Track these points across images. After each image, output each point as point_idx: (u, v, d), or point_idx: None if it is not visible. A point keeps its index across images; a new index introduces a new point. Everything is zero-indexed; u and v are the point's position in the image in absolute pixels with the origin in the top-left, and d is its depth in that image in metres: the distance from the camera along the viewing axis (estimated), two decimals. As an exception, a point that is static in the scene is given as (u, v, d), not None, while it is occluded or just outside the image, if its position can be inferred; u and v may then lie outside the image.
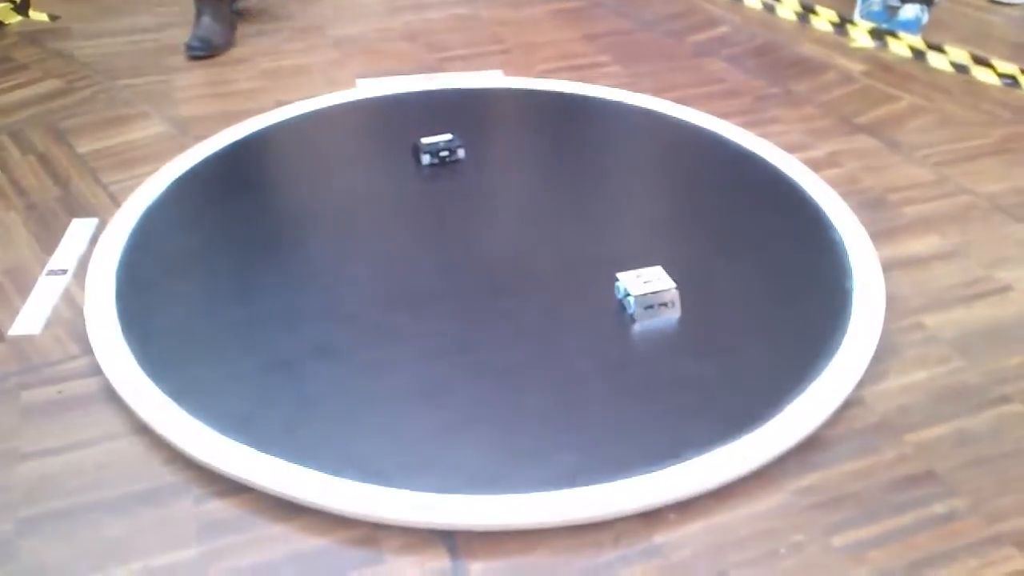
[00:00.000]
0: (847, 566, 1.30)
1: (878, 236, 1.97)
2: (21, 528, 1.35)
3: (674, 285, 1.73)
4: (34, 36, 2.97)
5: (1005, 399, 1.58)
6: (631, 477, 1.39)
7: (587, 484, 1.38)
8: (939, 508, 1.39)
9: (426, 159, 2.19)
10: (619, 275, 1.76)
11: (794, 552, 1.32)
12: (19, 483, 1.42)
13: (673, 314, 1.72)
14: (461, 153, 2.21)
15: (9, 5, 3.07)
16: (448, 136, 2.22)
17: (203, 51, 2.83)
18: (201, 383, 1.57)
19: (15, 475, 1.44)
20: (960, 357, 1.67)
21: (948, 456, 1.47)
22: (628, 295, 1.72)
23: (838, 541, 1.33)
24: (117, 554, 1.31)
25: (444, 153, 2.20)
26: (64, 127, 2.43)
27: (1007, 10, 3.22)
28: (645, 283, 1.73)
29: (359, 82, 2.66)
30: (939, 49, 2.83)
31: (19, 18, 3.08)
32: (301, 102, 2.51)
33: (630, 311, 1.72)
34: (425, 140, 2.21)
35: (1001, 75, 2.69)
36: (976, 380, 1.63)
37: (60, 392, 1.59)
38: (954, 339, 1.72)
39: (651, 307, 1.71)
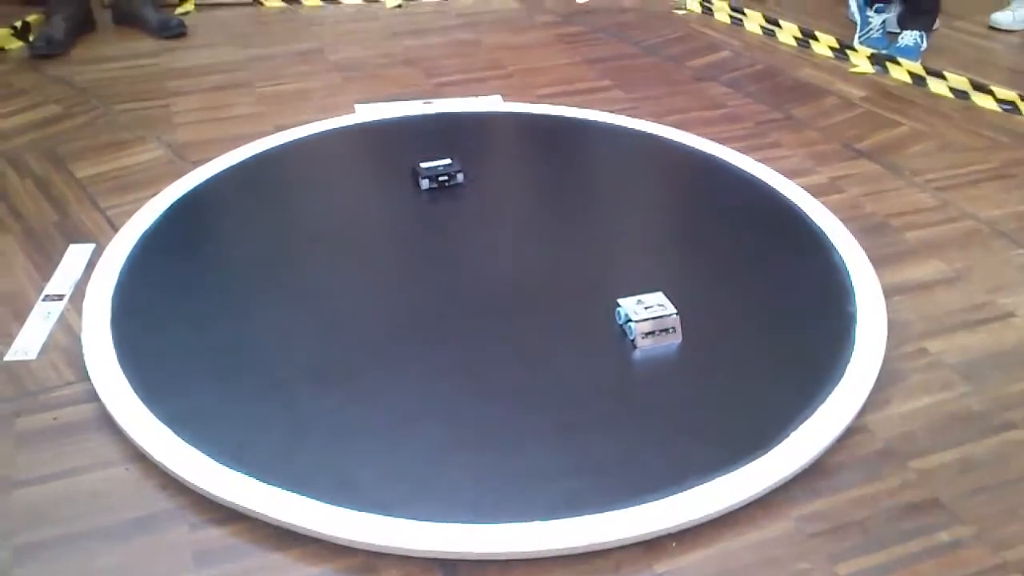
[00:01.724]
0: (852, 596, 1.28)
1: (880, 261, 1.96)
2: (15, 556, 1.33)
3: (675, 311, 1.72)
4: (33, 62, 2.97)
5: (1010, 425, 1.57)
6: (632, 505, 1.37)
7: (587, 511, 1.36)
8: (944, 536, 1.37)
9: (425, 183, 2.19)
10: (620, 301, 1.75)
11: (799, 581, 1.30)
12: (13, 510, 1.40)
13: (674, 340, 1.71)
14: (460, 177, 2.21)
15: (9, 31, 3.08)
16: (447, 160, 2.22)
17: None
18: (197, 409, 1.55)
19: (9, 502, 1.41)
20: (964, 383, 1.66)
21: (953, 483, 1.46)
22: (629, 321, 1.71)
23: (843, 569, 1.31)
24: (111, 583, 1.29)
25: (443, 177, 2.20)
26: (63, 152, 2.42)
27: (1006, 37, 3.24)
28: (646, 309, 1.72)
29: (358, 107, 2.66)
30: (939, 75, 2.83)
31: (19, 44, 3.09)
32: (300, 127, 2.51)
33: (631, 337, 1.70)
34: (424, 164, 2.20)
35: (1000, 101, 2.70)
36: (980, 406, 1.61)
37: (55, 419, 1.58)
38: (958, 365, 1.70)
39: (652, 333, 1.70)
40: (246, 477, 1.41)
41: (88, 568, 1.31)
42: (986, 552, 1.34)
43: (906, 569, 1.31)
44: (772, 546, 1.35)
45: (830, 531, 1.37)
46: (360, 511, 1.35)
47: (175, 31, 3.18)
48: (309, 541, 1.34)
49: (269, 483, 1.40)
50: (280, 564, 1.32)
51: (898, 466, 1.49)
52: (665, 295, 1.76)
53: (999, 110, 2.68)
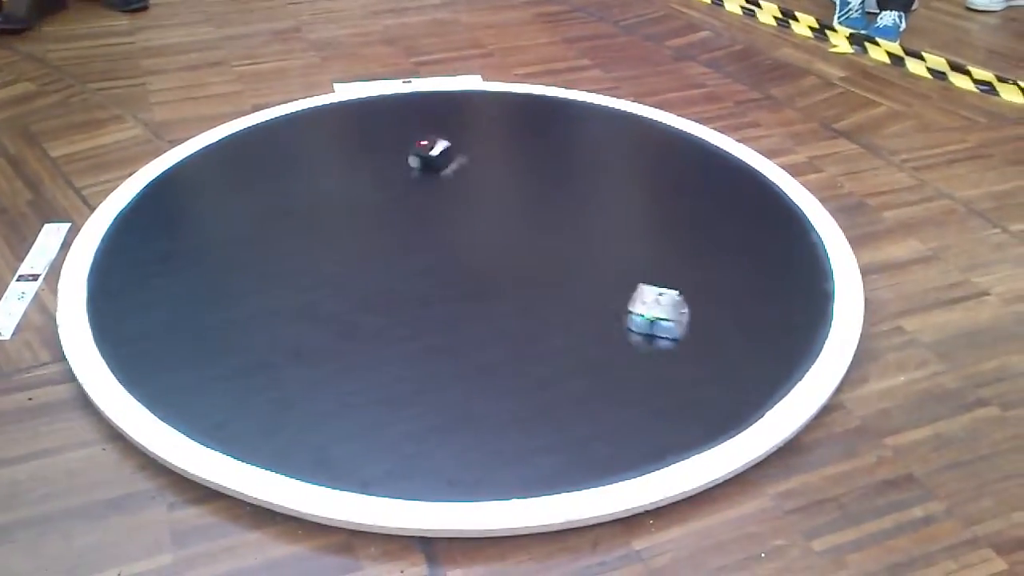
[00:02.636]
0: (827, 570, 1.29)
1: (857, 241, 1.97)
2: (-10, 537, 1.33)
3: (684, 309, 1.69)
4: (4, 38, 2.93)
5: (982, 402, 1.59)
6: (610, 482, 1.38)
7: (565, 489, 1.36)
8: (918, 511, 1.38)
9: (415, 161, 2.16)
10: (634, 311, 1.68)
11: (775, 556, 1.31)
12: (-12, 491, 1.40)
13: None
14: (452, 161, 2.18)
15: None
16: (445, 143, 2.19)
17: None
18: (175, 389, 1.54)
19: (-16, 483, 1.41)
20: (939, 361, 1.68)
21: (927, 460, 1.47)
22: (654, 319, 1.65)
23: (818, 545, 1.33)
24: (89, 562, 1.29)
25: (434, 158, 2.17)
26: (36, 130, 2.39)
27: (983, 17, 3.25)
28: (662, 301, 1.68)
29: (337, 86, 2.64)
30: (917, 55, 2.84)
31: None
32: (278, 106, 2.49)
33: (671, 336, 1.65)
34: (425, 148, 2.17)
35: (977, 81, 2.71)
36: (954, 384, 1.63)
37: (31, 399, 1.57)
38: (933, 343, 1.72)
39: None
40: (224, 456, 1.41)
41: (66, 548, 1.31)
42: (958, 527, 1.36)
43: (880, 545, 1.33)
44: (749, 523, 1.36)
45: (806, 508, 1.39)
46: (339, 489, 1.36)
47: (136, 4, 3.15)
48: (288, 519, 1.35)
49: (247, 462, 1.40)
50: (259, 542, 1.32)
51: (874, 443, 1.50)
52: (649, 283, 1.74)
53: (976, 90, 2.70)
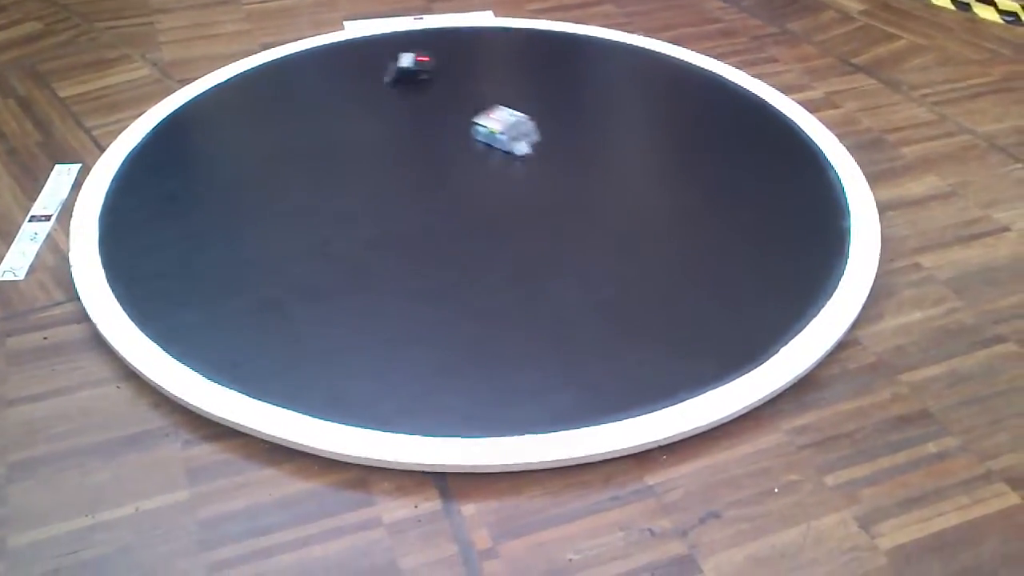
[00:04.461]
0: (840, 504, 1.29)
1: (875, 177, 1.94)
2: (9, 473, 1.34)
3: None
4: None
5: (999, 339, 1.57)
6: (622, 418, 1.38)
7: (578, 425, 1.37)
8: (932, 447, 1.38)
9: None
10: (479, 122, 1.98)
11: (788, 491, 1.31)
12: (6, 429, 1.41)
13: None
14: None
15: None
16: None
17: None
18: (188, 327, 1.55)
19: (2, 420, 1.42)
20: (956, 297, 1.66)
21: (942, 395, 1.47)
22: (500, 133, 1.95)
23: (831, 480, 1.33)
24: (106, 498, 1.30)
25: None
26: (45, 70, 2.37)
27: (1009, -53, 3.16)
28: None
29: (347, 23, 2.60)
30: (939, -14, 2.77)
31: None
32: (288, 44, 2.46)
33: (507, 149, 1.97)
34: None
35: (1003, 12, 2.64)
36: (971, 320, 1.61)
37: (46, 338, 1.57)
38: (950, 279, 1.70)
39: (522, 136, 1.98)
40: (238, 394, 1.41)
41: (82, 483, 1.32)
42: (972, 462, 1.36)
43: (893, 480, 1.33)
44: (762, 458, 1.36)
45: (820, 443, 1.39)
46: (353, 426, 1.36)
47: None
48: (302, 456, 1.35)
49: (261, 399, 1.40)
50: (273, 478, 1.33)
51: (889, 379, 1.50)
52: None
53: (1001, 22, 2.63)
